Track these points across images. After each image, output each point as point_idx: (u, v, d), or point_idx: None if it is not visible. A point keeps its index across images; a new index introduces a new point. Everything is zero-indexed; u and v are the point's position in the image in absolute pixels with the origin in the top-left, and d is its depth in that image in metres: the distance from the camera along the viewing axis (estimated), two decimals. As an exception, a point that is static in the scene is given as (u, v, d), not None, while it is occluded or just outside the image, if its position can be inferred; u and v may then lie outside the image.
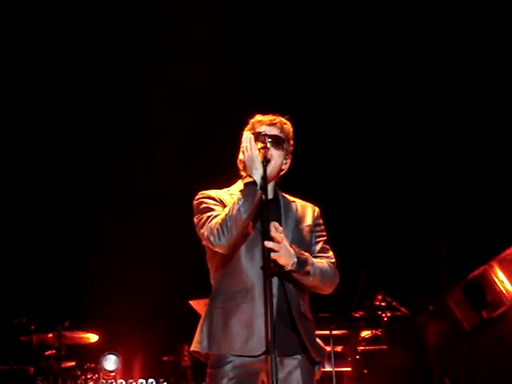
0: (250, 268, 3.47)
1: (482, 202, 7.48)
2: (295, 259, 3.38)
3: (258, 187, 3.43)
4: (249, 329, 3.40)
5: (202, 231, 3.48)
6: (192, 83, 7.29)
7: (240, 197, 3.44)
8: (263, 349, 3.35)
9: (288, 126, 3.72)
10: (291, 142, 3.73)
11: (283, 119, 3.72)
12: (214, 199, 3.58)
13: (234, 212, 3.40)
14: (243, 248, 3.50)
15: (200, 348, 3.49)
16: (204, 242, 3.57)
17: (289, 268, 3.38)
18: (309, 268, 3.44)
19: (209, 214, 3.50)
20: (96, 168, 7.74)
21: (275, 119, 3.69)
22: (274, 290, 3.36)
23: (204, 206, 3.55)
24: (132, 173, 7.66)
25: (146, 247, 7.50)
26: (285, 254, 3.35)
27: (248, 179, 3.50)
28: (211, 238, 3.42)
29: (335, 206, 6.05)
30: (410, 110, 7.74)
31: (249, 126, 3.71)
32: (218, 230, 3.40)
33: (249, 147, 3.50)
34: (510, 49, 7.17)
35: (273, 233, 3.34)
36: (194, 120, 7.40)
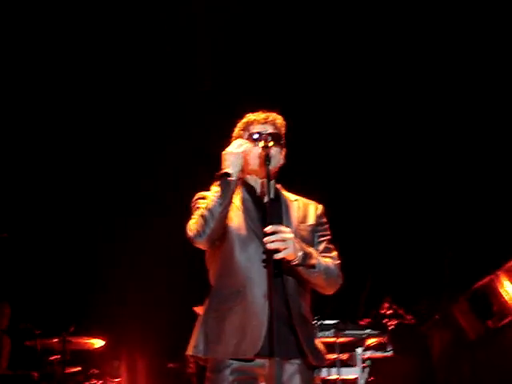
0: (244, 269, 3.42)
1: (488, 212, 7.48)
2: (301, 252, 3.35)
3: (233, 177, 3.42)
4: (241, 331, 3.35)
5: (186, 235, 3.47)
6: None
7: (215, 189, 3.44)
8: (256, 351, 3.30)
9: (280, 121, 3.69)
10: (284, 136, 3.69)
11: (275, 114, 3.69)
12: (205, 198, 3.53)
13: (210, 204, 3.39)
14: (237, 248, 3.46)
15: (196, 352, 3.45)
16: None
17: (296, 262, 3.34)
18: (314, 262, 3.40)
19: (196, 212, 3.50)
20: (105, 174, 7.77)
21: (268, 116, 3.66)
22: (274, 291, 3.28)
23: (196, 206, 3.52)
24: (142, 181, 7.69)
25: (152, 254, 7.51)
26: (292, 248, 3.30)
27: (222, 172, 3.46)
28: (190, 234, 3.41)
29: (342, 214, 6.04)
30: (424, 120, 7.74)
31: (241, 126, 3.69)
32: (195, 224, 3.40)
33: (236, 145, 3.51)
34: (509, 49, 7.15)
35: (267, 238, 3.27)
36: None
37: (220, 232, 3.43)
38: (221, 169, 3.48)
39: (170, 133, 7.73)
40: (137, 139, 7.80)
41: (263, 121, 3.65)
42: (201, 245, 3.44)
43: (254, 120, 3.66)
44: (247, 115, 3.71)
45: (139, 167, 7.80)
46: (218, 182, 3.44)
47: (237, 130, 3.71)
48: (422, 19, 7.33)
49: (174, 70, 7.58)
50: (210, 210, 3.39)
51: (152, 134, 7.82)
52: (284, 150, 3.68)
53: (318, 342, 3.59)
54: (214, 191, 3.43)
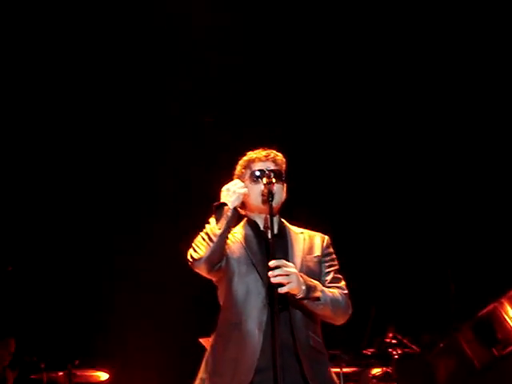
0: (242, 302, 3.47)
1: (491, 240, 7.49)
2: (304, 286, 3.38)
3: (231, 207, 3.52)
4: (236, 363, 3.38)
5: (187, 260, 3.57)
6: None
7: (212, 220, 3.54)
8: (247, 382, 3.32)
9: (281, 157, 3.77)
10: (285, 172, 3.76)
11: (275, 152, 3.77)
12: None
13: (209, 229, 3.50)
14: (235, 281, 3.51)
15: None
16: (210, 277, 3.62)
17: (299, 296, 3.38)
18: (318, 294, 3.44)
19: None
20: (104, 203, 7.80)
21: (269, 154, 3.73)
22: (278, 323, 3.31)
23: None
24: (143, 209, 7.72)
25: (157, 286, 7.52)
26: (295, 282, 3.34)
27: (219, 203, 3.57)
28: (189, 258, 3.51)
29: (345, 245, 6.04)
30: (424, 138, 7.77)
31: (243, 164, 3.76)
32: (194, 249, 3.50)
33: (236, 184, 3.61)
34: (509, 49, 7.19)
35: (271, 272, 3.31)
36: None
37: (219, 257, 3.51)
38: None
39: (169, 164, 7.76)
40: (132, 174, 7.83)
41: (264, 158, 3.72)
42: (200, 269, 3.52)
43: (256, 158, 3.73)
44: (248, 153, 3.79)
45: (139, 198, 7.83)
46: (215, 213, 3.54)
47: (239, 168, 3.78)
48: (421, 21, 7.34)
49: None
50: (208, 235, 3.48)
51: (149, 166, 7.86)
52: (285, 185, 3.73)
53: (332, 373, 3.59)
54: (212, 220, 3.54)
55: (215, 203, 3.57)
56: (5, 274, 6.84)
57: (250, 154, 3.77)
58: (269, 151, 3.75)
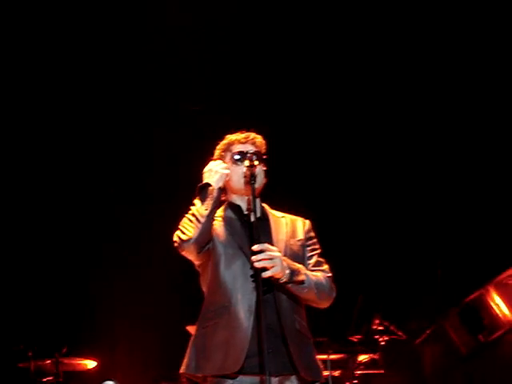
0: (230, 284, 3.46)
1: (478, 227, 7.51)
2: (288, 270, 3.39)
3: (214, 187, 3.53)
4: (225, 347, 3.37)
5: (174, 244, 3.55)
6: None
7: (196, 202, 3.53)
8: (238, 366, 3.31)
9: (260, 139, 3.77)
10: (264, 154, 3.76)
11: (254, 134, 3.77)
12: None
13: (194, 210, 3.49)
14: (222, 265, 3.50)
15: (187, 370, 3.49)
16: (194, 262, 3.61)
17: (284, 280, 3.38)
18: (302, 278, 3.44)
19: None
20: (95, 192, 7.78)
21: (249, 136, 3.74)
22: (265, 307, 3.32)
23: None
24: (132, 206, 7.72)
25: (145, 273, 7.50)
26: (279, 266, 3.35)
27: (202, 183, 3.58)
28: (176, 240, 3.50)
29: (332, 231, 6.05)
30: (410, 130, 7.76)
31: (222, 147, 3.76)
32: (181, 234, 3.48)
33: (217, 164, 3.62)
34: (509, 49, 7.21)
35: (254, 257, 3.33)
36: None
37: (206, 238, 3.50)
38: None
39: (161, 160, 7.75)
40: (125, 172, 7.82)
41: (244, 140, 3.73)
42: (189, 251, 3.50)
43: (235, 140, 3.74)
44: (227, 136, 3.79)
45: (126, 185, 7.81)
46: (199, 194, 3.54)
47: (217, 152, 3.78)
48: (420, 22, 7.35)
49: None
50: (195, 216, 3.47)
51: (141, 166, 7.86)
52: (265, 167, 3.74)
53: (317, 357, 3.60)
54: (198, 200, 3.53)
55: (199, 184, 3.57)
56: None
57: (230, 137, 3.77)
58: (248, 133, 3.76)
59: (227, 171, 3.62)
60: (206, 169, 3.64)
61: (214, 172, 3.59)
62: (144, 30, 7.26)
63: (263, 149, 3.76)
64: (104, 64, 7.38)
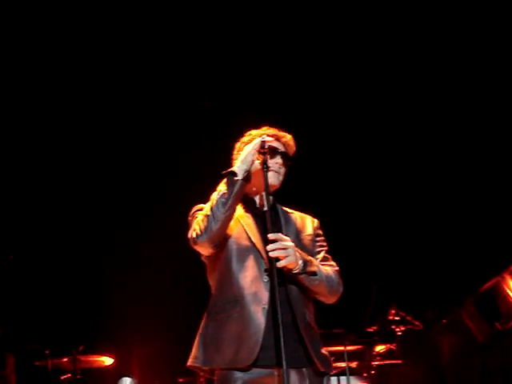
0: (242, 278, 3.42)
1: (493, 215, 7.49)
2: (301, 261, 3.38)
3: (240, 177, 3.42)
4: (238, 340, 3.34)
5: (188, 236, 3.47)
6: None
7: (220, 188, 3.44)
8: (252, 360, 3.29)
9: (292, 144, 3.72)
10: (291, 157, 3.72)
11: (289, 136, 3.72)
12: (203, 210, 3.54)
13: (214, 203, 3.40)
14: (234, 258, 3.47)
15: (195, 362, 3.47)
16: (202, 254, 3.56)
17: (297, 270, 3.37)
18: (315, 268, 3.44)
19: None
20: (108, 188, 7.79)
21: (285, 136, 3.69)
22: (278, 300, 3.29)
23: (195, 217, 3.52)
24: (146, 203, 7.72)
25: (161, 270, 7.52)
26: (293, 255, 3.34)
27: (229, 170, 3.47)
28: (192, 234, 3.42)
29: (348, 221, 6.06)
30: (415, 129, 7.76)
31: (247, 141, 3.67)
32: (198, 225, 3.41)
33: (251, 146, 3.52)
34: (509, 49, 7.18)
35: (269, 246, 3.30)
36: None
37: (223, 233, 3.44)
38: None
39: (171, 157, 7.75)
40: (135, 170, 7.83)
41: (277, 137, 3.67)
42: (202, 246, 3.44)
43: (270, 134, 3.65)
44: (263, 127, 3.72)
45: (138, 180, 7.82)
46: (225, 181, 3.45)
47: (240, 145, 3.72)
48: (420, 22, 7.33)
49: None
50: (213, 210, 3.39)
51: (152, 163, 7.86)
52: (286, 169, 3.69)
53: (324, 350, 3.59)
54: (220, 190, 3.43)
55: (226, 171, 3.47)
56: (6, 262, 6.82)
57: (265, 129, 3.70)
58: (284, 134, 3.71)
59: (256, 155, 3.50)
60: (247, 146, 3.55)
61: (250, 151, 3.48)
62: (154, 26, 7.25)
63: (291, 154, 3.71)
64: (106, 64, 7.37)
